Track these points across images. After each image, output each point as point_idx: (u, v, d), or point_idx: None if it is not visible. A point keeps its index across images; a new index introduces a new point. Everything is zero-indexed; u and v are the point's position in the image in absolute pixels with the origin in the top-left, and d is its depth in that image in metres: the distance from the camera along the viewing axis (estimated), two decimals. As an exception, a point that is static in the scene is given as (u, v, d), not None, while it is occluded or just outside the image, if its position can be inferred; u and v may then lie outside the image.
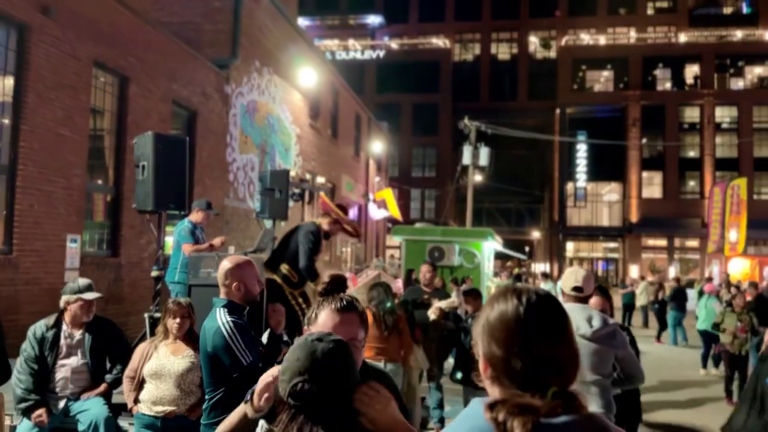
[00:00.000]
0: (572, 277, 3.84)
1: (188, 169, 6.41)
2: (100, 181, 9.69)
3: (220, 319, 3.19)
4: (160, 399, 4.09)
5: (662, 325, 16.13)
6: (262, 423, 1.61)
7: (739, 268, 27.27)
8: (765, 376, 6.08)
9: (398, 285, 6.68)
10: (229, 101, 13.49)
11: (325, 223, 6.25)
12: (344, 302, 1.99)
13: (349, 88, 23.49)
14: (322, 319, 1.98)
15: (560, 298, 4.24)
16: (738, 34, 38.93)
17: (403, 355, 5.43)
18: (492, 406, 1.25)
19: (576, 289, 3.78)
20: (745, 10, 41.53)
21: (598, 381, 3.63)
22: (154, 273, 6.27)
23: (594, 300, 4.32)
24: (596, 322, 3.63)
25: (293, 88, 17.20)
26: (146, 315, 5.91)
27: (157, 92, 10.57)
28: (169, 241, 7.73)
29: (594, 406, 3.55)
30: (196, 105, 12.05)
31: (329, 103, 21.17)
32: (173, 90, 11.14)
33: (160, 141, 5.89)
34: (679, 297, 15.43)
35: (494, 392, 1.32)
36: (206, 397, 3.28)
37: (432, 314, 6.35)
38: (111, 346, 4.72)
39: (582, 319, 3.63)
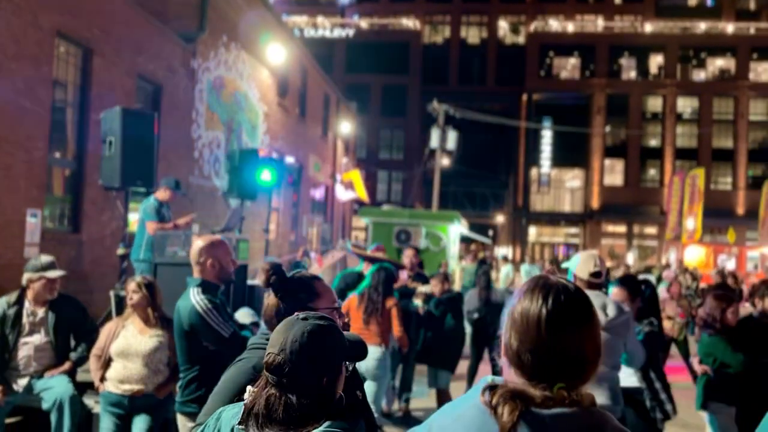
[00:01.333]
0: (591, 261, 3.68)
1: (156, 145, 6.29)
2: (59, 155, 9.43)
3: (194, 297, 3.18)
4: (128, 378, 4.05)
5: None
6: (249, 387, 1.64)
7: (695, 255, 28.12)
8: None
9: (403, 277, 6.65)
10: (195, 76, 13.22)
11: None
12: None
13: (319, 67, 23.25)
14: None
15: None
16: (702, 26, 39.71)
17: (397, 338, 5.45)
18: (490, 390, 1.31)
19: (595, 275, 3.64)
20: (709, 2, 42.35)
21: (607, 372, 3.55)
22: (120, 251, 6.18)
23: (616, 290, 4.27)
24: (611, 311, 3.55)
25: (261, 65, 16.95)
26: (112, 293, 5.82)
27: (122, 65, 10.30)
28: (133, 218, 7.61)
29: (601, 398, 3.48)
30: (162, 79, 11.78)
31: (298, 82, 20.93)
32: (138, 63, 10.87)
33: (128, 116, 5.76)
34: None
35: (510, 375, 1.37)
36: (181, 375, 3.28)
37: (418, 301, 6.35)
38: (75, 324, 4.65)
39: (597, 307, 3.56)
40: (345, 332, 1.69)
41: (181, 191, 7.13)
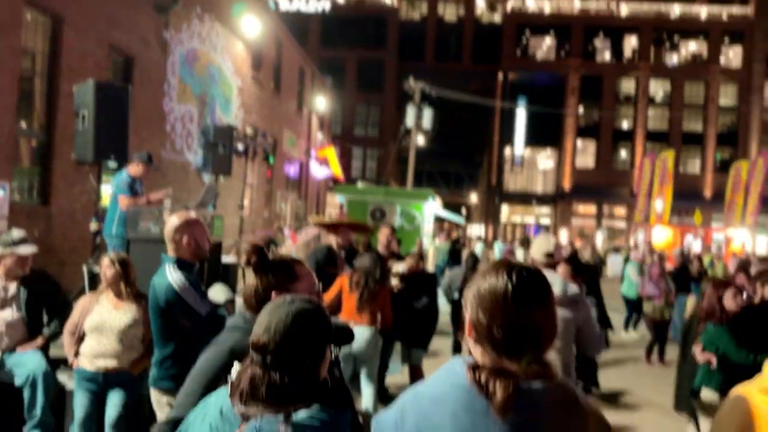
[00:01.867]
0: (544, 244, 4.00)
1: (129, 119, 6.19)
2: (27, 126, 9.21)
3: (171, 275, 3.17)
4: (102, 353, 4.04)
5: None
6: (236, 364, 1.67)
7: (663, 236, 28.73)
8: (690, 345, 6.48)
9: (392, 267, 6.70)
10: (167, 48, 12.98)
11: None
12: None
13: (294, 41, 22.95)
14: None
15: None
16: (676, 10, 40.05)
17: (380, 321, 5.51)
18: (474, 369, 1.36)
19: (549, 255, 3.94)
20: (683, -14, 42.70)
21: (560, 348, 3.61)
22: (93, 226, 6.09)
23: (561, 267, 4.55)
24: (557, 289, 3.62)
25: (236, 38, 16.68)
26: (85, 268, 5.76)
27: (93, 35, 10.05)
28: (105, 191, 7.50)
29: (564, 375, 3.62)
30: (134, 51, 11.54)
31: (273, 55, 20.66)
32: (110, 34, 10.62)
33: (101, 90, 5.65)
34: (596, 264, 16.58)
35: (476, 353, 1.43)
36: (155, 352, 3.28)
37: (394, 280, 6.41)
38: (48, 299, 4.60)
39: (563, 286, 3.73)
40: (333, 318, 1.73)
41: (154, 165, 7.04)
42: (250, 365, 1.60)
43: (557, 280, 3.76)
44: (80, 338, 4.13)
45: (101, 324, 4.05)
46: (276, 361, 1.56)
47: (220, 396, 1.68)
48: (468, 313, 1.46)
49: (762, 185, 29.64)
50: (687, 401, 6.31)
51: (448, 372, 1.41)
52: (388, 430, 1.43)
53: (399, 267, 6.54)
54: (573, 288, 3.76)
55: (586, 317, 3.69)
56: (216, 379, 1.94)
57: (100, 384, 4.03)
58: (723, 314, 4.63)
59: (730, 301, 4.68)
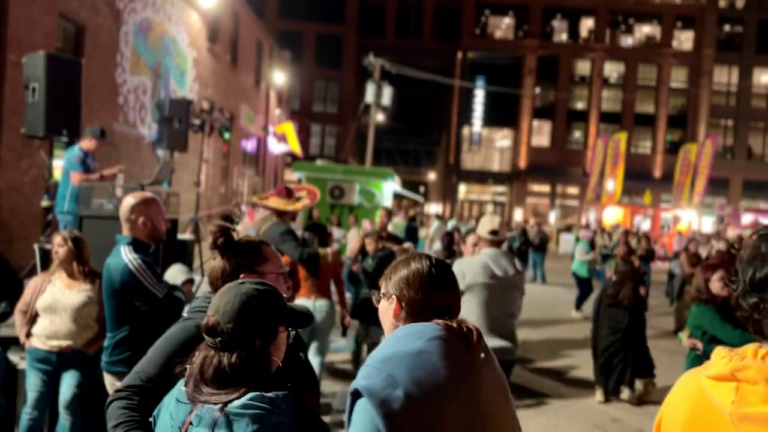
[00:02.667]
0: (489, 223, 4.25)
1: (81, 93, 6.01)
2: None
3: (126, 256, 3.12)
4: (55, 333, 3.98)
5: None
6: (196, 353, 1.69)
7: (614, 216, 29.53)
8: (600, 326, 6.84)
9: (366, 226, 6.81)
10: (120, 17, 12.56)
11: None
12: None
13: (251, 12, 22.47)
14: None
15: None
16: (631, -7, 40.70)
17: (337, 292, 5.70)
18: (447, 328, 1.68)
19: (493, 232, 4.20)
20: (639, -31, 43.34)
21: (512, 318, 4.21)
22: (45, 203, 5.93)
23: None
24: (512, 268, 4.17)
25: (191, 8, 16.24)
26: (36, 246, 5.61)
27: (42, 3, 9.65)
28: (57, 166, 7.28)
29: (507, 340, 4.13)
30: (85, 19, 11.13)
31: (229, 27, 20.20)
32: (60, 2, 10.21)
33: (52, 62, 5.46)
34: (542, 242, 17.06)
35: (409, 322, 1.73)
36: (108, 335, 3.24)
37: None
38: (-3, 278, 4.48)
39: (504, 263, 4.14)
40: (293, 303, 1.75)
41: (107, 140, 6.87)
42: (203, 349, 1.63)
43: (509, 259, 4.23)
44: (32, 318, 4.05)
45: (54, 303, 3.98)
46: (226, 342, 1.58)
47: (178, 384, 1.69)
48: (394, 295, 1.76)
49: (709, 168, 30.71)
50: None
51: (416, 331, 1.64)
52: (383, 390, 1.51)
53: (395, 249, 6.61)
54: (520, 266, 4.30)
55: (521, 293, 4.35)
56: (179, 351, 1.91)
57: (54, 364, 3.97)
58: (708, 295, 4.44)
59: (716, 285, 4.43)
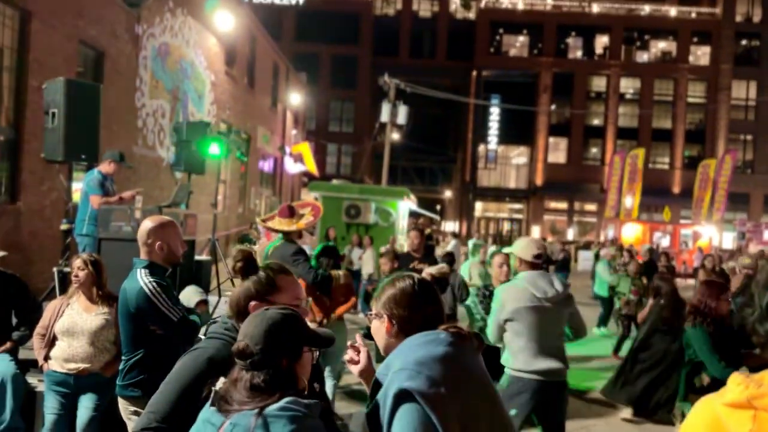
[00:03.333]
0: (533, 245, 4.25)
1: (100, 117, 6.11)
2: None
3: (142, 279, 3.14)
4: (73, 356, 4.00)
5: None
6: (222, 379, 1.75)
7: (632, 232, 29.21)
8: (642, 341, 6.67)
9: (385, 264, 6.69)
10: (139, 42, 12.80)
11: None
12: (280, 267, 2.20)
13: (267, 35, 22.78)
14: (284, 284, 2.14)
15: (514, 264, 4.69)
16: (646, 9, 40.66)
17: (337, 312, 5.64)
18: (452, 333, 1.87)
19: (537, 256, 4.20)
20: (653, -14, 43.38)
21: (561, 337, 4.19)
22: (64, 226, 6.01)
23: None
24: (558, 287, 4.13)
25: (208, 32, 16.51)
26: (55, 269, 5.68)
27: (62, 29, 9.87)
28: (76, 187, 7.39)
29: (557, 361, 4.06)
30: (104, 45, 11.36)
31: (246, 50, 20.49)
32: (80, 28, 10.44)
33: (72, 88, 5.56)
34: (564, 260, 16.89)
35: (395, 344, 1.89)
36: (123, 358, 3.24)
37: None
38: (16, 301, 4.53)
39: (547, 284, 4.10)
40: (318, 329, 1.86)
41: (127, 163, 6.97)
42: (236, 371, 1.71)
43: (555, 279, 4.22)
44: (51, 341, 4.08)
45: (72, 327, 4.01)
46: (255, 363, 1.66)
47: (205, 408, 1.73)
48: (384, 315, 1.92)
49: (729, 183, 30.34)
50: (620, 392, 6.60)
51: (430, 341, 1.81)
52: (429, 389, 1.67)
53: (432, 270, 6.21)
54: (568, 283, 4.27)
55: (575, 309, 4.28)
56: (192, 386, 1.94)
57: (72, 387, 3.99)
58: (710, 314, 4.43)
59: (725, 304, 4.43)
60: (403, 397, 1.68)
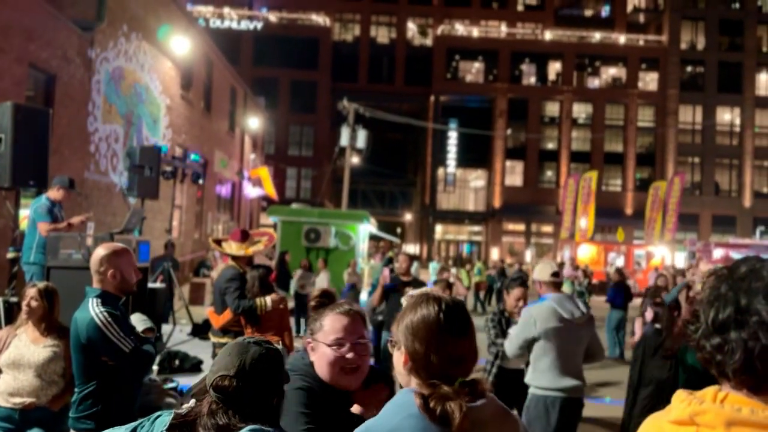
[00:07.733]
0: (549, 267, 4.46)
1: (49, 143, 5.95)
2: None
3: (93, 309, 3.04)
4: (18, 390, 3.83)
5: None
6: (192, 401, 1.67)
7: (587, 253, 29.82)
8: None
9: (385, 273, 6.63)
10: (92, 66, 12.58)
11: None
12: (347, 307, 2.17)
13: (225, 60, 22.69)
14: (330, 325, 2.09)
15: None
16: (596, 36, 42.06)
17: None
18: (422, 398, 1.45)
19: (555, 275, 4.38)
20: (603, 14, 44.97)
21: (581, 357, 4.34)
22: (11, 254, 5.80)
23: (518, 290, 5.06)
24: (583, 308, 4.32)
25: (164, 56, 16.35)
26: (0, 299, 5.46)
27: (12, 52, 9.64)
28: (23, 216, 7.16)
29: (578, 380, 4.26)
30: (56, 69, 11.13)
31: (203, 74, 20.35)
32: (30, 51, 10.21)
33: (20, 112, 5.41)
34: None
35: (411, 381, 1.56)
36: (76, 390, 3.14)
37: (404, 301, 6.30)
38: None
39: (573, 306, 4.28)
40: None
41: (76, 190, 6.78)
42: (211, 407, 1.60)
43: (579, 301, 4.43)
44: (-5, 374, 3.90)
45: (19, 359, 3.85)
46: (234, 401, 1.58)
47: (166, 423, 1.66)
48: (402, 345, 1.57)
49: (678, 204, 31.35)
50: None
51: (400, 404, 1.49)
52: None
53: (415, 293, 6.18)
54: (589, 309, 4.44)
55: (594, 332, 4.43)
56: (307, 412, 2.01)
57: (17, 422, 3.81)
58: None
59: None
60: None
